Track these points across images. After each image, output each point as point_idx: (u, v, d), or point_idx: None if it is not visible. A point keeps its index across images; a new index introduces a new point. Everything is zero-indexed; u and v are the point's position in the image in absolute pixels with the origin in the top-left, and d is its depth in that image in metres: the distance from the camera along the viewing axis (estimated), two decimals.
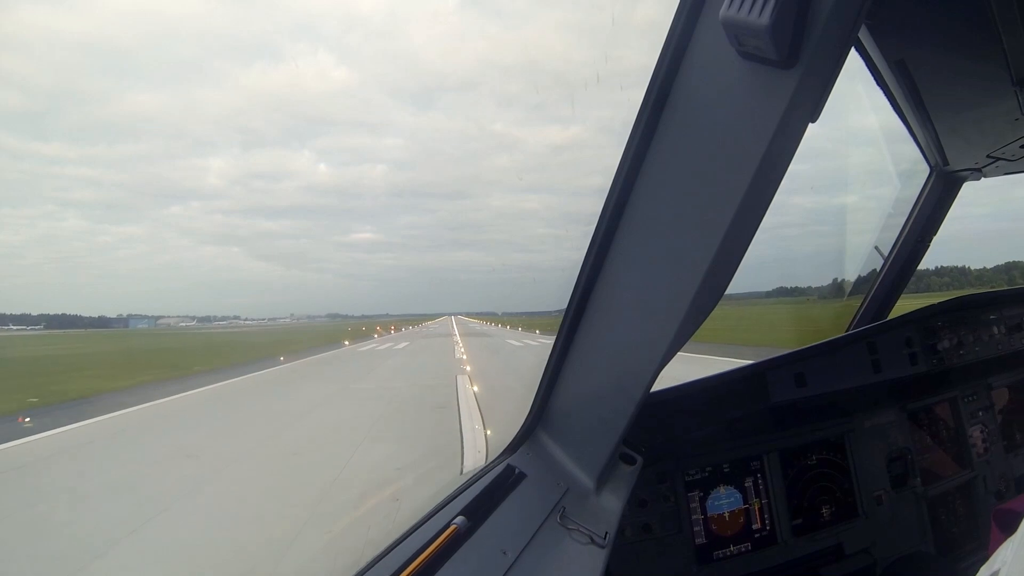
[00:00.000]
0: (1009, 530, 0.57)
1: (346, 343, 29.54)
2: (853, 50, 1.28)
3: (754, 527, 1.57)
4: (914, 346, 1.80)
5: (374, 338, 34.66)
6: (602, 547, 1.01)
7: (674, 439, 1.48)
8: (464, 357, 17.92)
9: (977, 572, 0.55)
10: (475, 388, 10.50)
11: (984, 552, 0.60)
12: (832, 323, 2.50)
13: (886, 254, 2.25)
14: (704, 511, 1.52)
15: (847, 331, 2.09)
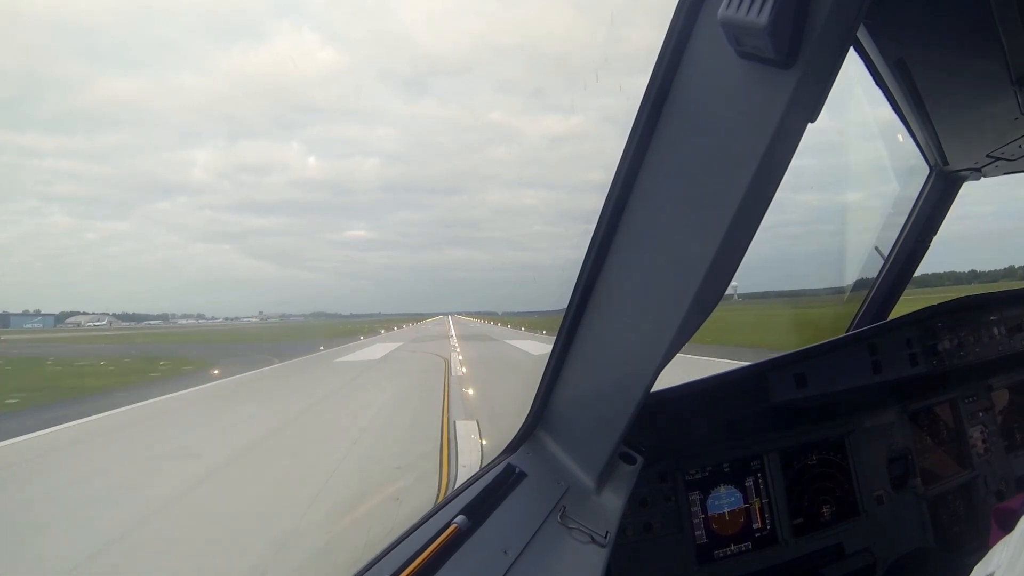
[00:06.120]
0: (1008, 528, 0.57)
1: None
2: (852, 49, 1.28)
3: (755, 526, 1.57)
4: (914, 347, 1.80)
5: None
6: (603, 546, 1.01)
7: (675, 439, 1.47)
8: None
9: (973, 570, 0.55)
10: None
11: (984, 552, 0.60)
12: (832, 324, 2.49)
13: (886, 254, 2.25)
14: (705, 510, 1.52)
15: (847, 332, 2.09)
